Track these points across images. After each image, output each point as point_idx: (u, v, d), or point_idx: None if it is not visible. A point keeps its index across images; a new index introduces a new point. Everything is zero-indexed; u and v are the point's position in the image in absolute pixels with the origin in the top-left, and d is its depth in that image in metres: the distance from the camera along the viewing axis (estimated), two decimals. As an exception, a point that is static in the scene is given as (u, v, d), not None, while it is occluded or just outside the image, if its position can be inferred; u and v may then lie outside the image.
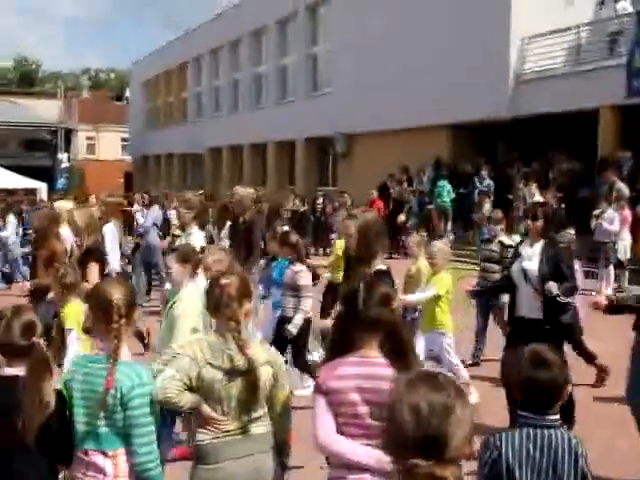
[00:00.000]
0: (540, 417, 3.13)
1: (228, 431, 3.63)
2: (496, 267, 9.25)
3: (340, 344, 3.49)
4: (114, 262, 9.72)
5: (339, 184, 27.74)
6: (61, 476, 3.78)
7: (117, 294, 3.60)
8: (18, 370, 3.54)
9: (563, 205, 16.23)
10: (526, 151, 20.28)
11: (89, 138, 62.11)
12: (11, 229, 17.31)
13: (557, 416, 3.16)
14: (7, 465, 3.43)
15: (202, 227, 10.60)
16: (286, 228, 8.75)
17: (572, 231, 9.99)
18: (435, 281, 7.74)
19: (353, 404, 3.29)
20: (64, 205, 10.71)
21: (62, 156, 44.72)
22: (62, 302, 6.15)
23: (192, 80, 42.74)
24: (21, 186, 32.60)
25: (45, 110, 51.47)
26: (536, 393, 3.14)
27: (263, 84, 34.94)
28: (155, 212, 15.62)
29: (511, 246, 8.66)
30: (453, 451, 1.92)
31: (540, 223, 6.64)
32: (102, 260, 8.20)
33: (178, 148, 43.11)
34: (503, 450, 3.06)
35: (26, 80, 77.73)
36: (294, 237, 8.12)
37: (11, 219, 17.64)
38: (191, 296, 5.82)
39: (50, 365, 3.59)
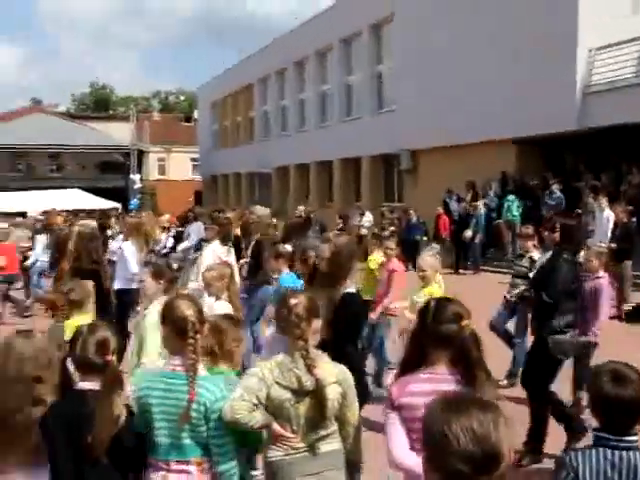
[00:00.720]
0: (619, 438, 2.97)
1: (298, 448, 3.66)
2: (521, 282, 8.99)
3: (412, 360, 3.52)
4: None
5: (405, 199, 27.54)
6: None
7: (190, 311, 3.71)
8: (91, 384, 3.59)
9: (634, 219, 15.66)
10: (595, 164, 19.78)
11: (160, 159, 63.22)
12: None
13: (636, 437, 3.01)
14: (80, 475, 3.46)
15: (224, 242, 10.68)
16: (288, 247, 8.68)
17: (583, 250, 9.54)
18: (425, 294, 7.36)
19: None
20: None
21: (135, 177, 45.56)
22: (66, 316, 6.40)
23: (259, 100, 43.15)
24: (98, 207, 33.30)
25: (118, 133, 52.74)
26: (617, 412, 2.99)
27: (328, 102, 35.06)
28: (197, 228, 15.70)
29: None
30: (504, 467, 1.95)
31: (556, 235, 6.70)
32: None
33: (246, 167, 43.52)
34: (580, 471, 2.95)
35: (101, 104, 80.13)
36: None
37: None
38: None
39: (122, 381, 3.64)
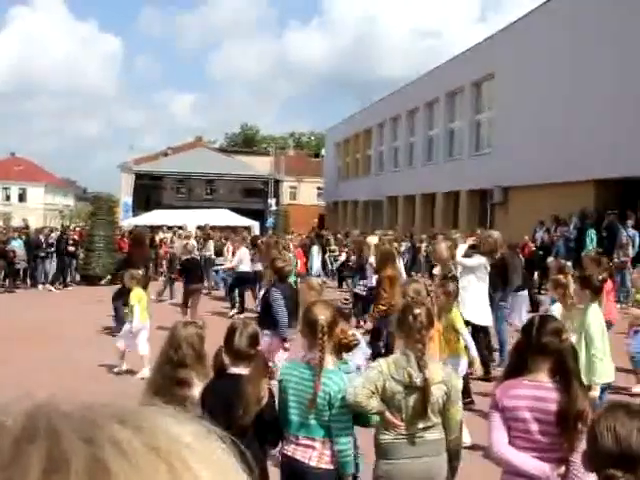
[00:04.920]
0: None
1: (405, 434, 3.62)
2: None
3: (515, 368, 3.44)
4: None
5: (497, 229, 27.22)
6: (274, 452, 3.95)
7: (323, 315, 3.68)
8: (241, 370, 3.68)
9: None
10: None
11: (292, 187, 64.34)
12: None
13: None
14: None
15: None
16: None
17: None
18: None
19: (524, 421, 3.25)
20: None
21: (271, 201, 46.56)
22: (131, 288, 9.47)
23: (376, 141, 43.45)
24: (240, 224, 34.43)
25: (260, 165, 54.30)
26: None
27: (434, 144, 35.04)
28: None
29: None
30: None
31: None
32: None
33: (362, 196, 43.87)
34: None
35: (247, 142, 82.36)
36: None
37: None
38: None
39: (268, 368, 3.76)
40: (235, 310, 15.18)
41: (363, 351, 5.55)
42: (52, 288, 20.64)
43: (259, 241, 17.39)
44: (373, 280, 10.87)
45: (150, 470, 0.50)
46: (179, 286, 14.92)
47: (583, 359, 5.89)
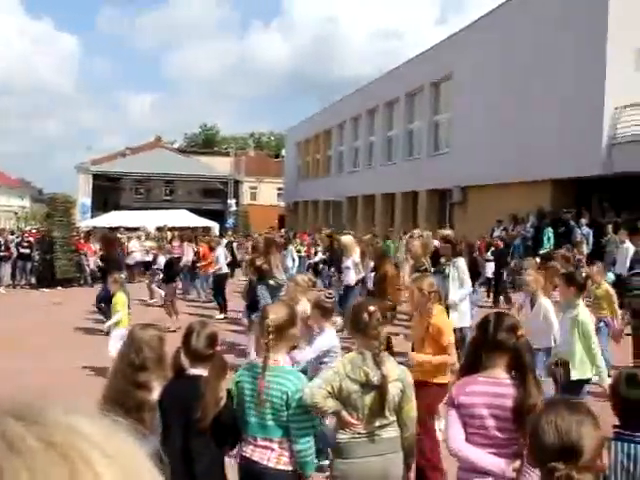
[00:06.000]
0: (633, 433, 2.94)
1: (362, 433, 3.60)
2: None
3: (471, 364, 3.44)
4: None
5: (455, 228, 27.53)
6: (232, 453, 3.86)
7: (273, 315, 3.66)
8: (199, 371, 3.65)
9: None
10: (618, 203, 19.59)
11: (252, 188, 64.10)
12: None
13: None
14: (186, 444, 3.53)
15: None
16: None
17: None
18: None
19: (481, 417, 3.24)
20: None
21: (231, 202, 46.36)
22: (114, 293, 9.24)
23: (336, 141, 43.60)
24: (200, 225, 34.19)
25: (220, 166, 53.95)
26: (630, 411, 2.98)
27: (393, 145, 35.27)
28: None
29: None
30: (585, 461, 1.93)
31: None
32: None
33: (322, 196, 43.94)
34: (605, 459, 2.79)
35: (207, 143, 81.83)
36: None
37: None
38: None
39: (227, 369, 3.67)
40: (222, 315, 14.74)
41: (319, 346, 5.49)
42: (2, 290, 20.28)
43: (257, 239, 17.47)
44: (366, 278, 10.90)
45: (45, 465, 0.46)
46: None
47: (579, 353, 5.97)
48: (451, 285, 8.52)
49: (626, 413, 3.00)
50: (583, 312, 6.09)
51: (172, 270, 14.28)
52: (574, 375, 5.89)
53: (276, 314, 3.68)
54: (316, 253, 23.77)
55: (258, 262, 8.14)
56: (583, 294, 6.44)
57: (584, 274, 6.66)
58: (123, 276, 10.52)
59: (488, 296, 17.49)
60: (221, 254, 16.22)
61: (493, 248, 18.34)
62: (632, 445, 2.91)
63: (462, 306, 8.63)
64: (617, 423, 3.02)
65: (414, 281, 5.96)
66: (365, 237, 18.13)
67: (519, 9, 23.56)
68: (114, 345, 9.22)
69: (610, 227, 18.12)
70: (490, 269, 17.63)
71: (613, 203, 19.92)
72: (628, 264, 14.19)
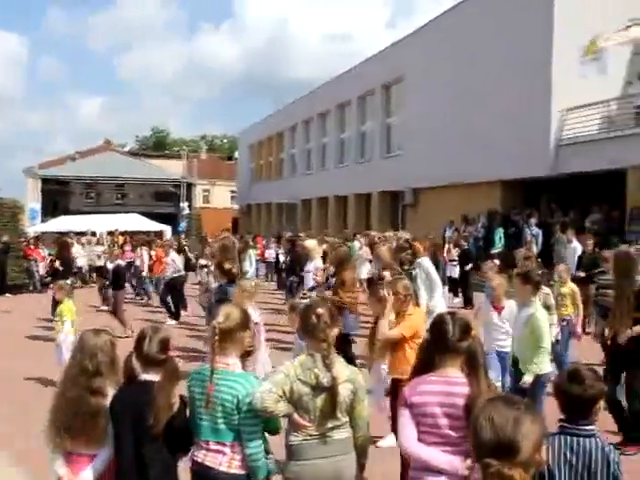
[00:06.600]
0: (576, 427, 3.02)
1: (313, 435, 3.60)
2: None
3: (424, 364, 3.46)
4: None
5: (408, 229, 27.79)
6: (185, 459, 3.78)
7: (220, 318, 3.61)
8: (151, 376, 3.61)
9: (597, 249, 15.83)
10: (565, 203, 20.06)
11: (205, 190, 63.77)
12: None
13: (592, 426, 3.04)
14: (139, 450, 3.51)
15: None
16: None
17: None
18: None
19: (433, 416, 3.26)
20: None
21: (184, 205, 45.99)
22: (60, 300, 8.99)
23: (288, 144, 43.61)
24: (153, 229, 33.79)
25: (172, 169, 53.57)
26: (571, 406, 3.07)
27: (346, 147, 35.42)
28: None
29: None
30: (523, 457, 1.94)
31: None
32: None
33: (276, 198, 43.92)
34: (544, 454, 2.79)
35: (159, 145, 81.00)
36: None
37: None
38: None
39: (179, 374, 3.62)
40: (174, 322, 14.49)
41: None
42: None
43: (230, 241, 17.31)
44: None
45: None
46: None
47: (528, 352, 6.05)
48: (421, 287, 8.41)
49: (569, 407, 3.07)
50: (539, 310, 6.20)
51: (119, 277, 13.92)
52: (534, 370, 5.96)
53: (225, 317, 3.63)
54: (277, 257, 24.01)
55: (227, 265, 8.07)
56: (538, 292, 6.54)
57: (539, 272, 6.76)
58: (69, 282, 10.23)
59: (456, 295, 17.64)
60: (176, 257, 16.07)
61: (458, 249, 18.37)
62: (575, 438, 2.99)
63: (438, 309, 8.57)
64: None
65: (388, 285, 6.02)
66: (329, 239, 18.15)
67: (468, 12, 23.95)
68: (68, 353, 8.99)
69: (558, 227, 18.52)
70: (456, 270, 17.80)
71: (560, 203, 20.38)
72: (576, 263, 14.57)
